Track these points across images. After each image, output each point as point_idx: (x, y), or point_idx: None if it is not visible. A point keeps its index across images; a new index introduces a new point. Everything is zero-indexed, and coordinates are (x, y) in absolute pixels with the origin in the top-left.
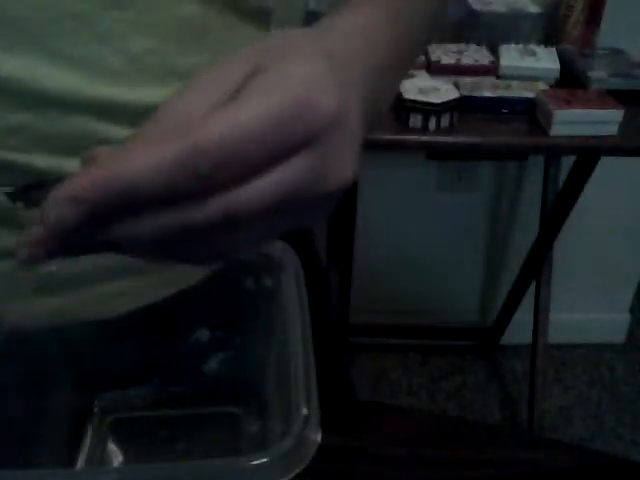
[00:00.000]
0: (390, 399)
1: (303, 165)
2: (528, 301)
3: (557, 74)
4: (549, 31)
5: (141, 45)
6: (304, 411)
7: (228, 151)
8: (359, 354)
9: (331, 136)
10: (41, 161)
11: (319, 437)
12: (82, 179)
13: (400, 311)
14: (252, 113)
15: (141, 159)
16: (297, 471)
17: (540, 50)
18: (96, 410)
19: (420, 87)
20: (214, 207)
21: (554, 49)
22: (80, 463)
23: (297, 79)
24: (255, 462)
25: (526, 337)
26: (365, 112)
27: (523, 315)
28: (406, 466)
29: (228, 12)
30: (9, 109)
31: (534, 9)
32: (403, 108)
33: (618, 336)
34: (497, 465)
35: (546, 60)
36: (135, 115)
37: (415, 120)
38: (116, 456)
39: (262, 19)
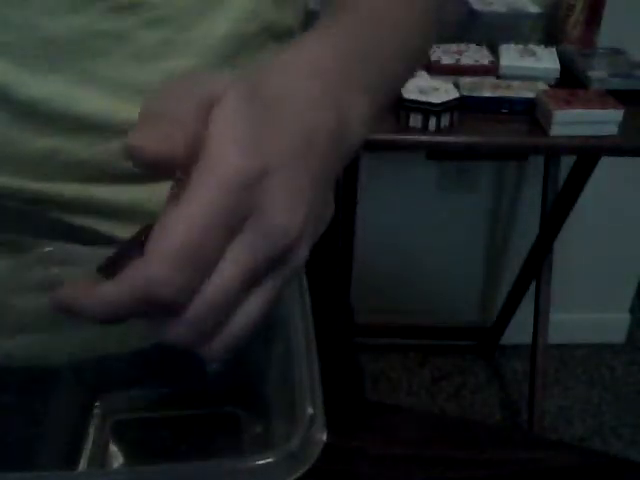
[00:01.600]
0: (390, 399)
1: (247, 240)
2: (528, 301)
3: (557, 74)
4: (549, 31)
5: (176, 64)
6: (309, 411)
7: (178, 270)
8: (359, 354)
9: (262, 196)
10: (70, 190)
11: (325, 437)
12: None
13: (400, 311)
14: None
15: (101, 298)
16: (303, 471)
17: (540, 50)
18: (97, 412)
19: (420, 87)
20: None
21: (554, 49)
22: (82, 465)
23: (217, 170)
24: (261, 462)
25: (526, 337)
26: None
27: (523, 315)
28: (406, 466)
29: (262, 32)
30: (40, 134)
31: (534, 9)
32: (403, 108)
33: (618, 336)
34: (497, 465)
35: (546, 60)
36: None
37: (415, 120)
38: (118, 458)
39: (290, 38)
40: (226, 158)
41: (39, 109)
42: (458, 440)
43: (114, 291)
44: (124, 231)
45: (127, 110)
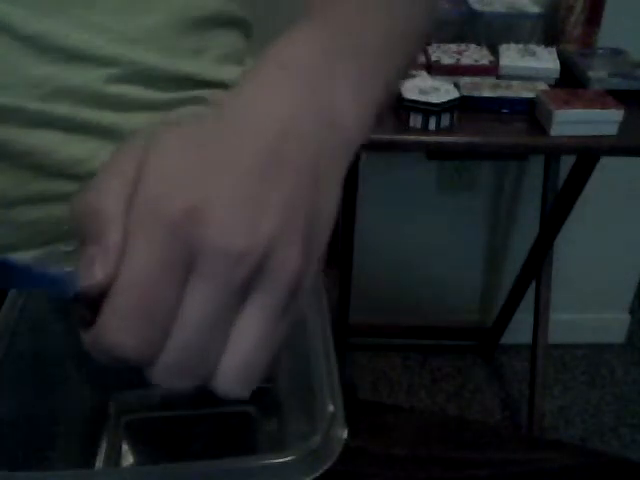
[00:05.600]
0: (390, 399)
1: (204, 274)
2: (528, 301)
3: (557, 74)
4: (549, 31)
5: (150, 20)
6: (330, 408)
7: (132, 334)
8: (359, 354)
9: (207, 227)
10: (62, 109)
11: (345, 435)
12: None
13: (400, 311)
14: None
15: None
16: (324, 469)
17: (540, 50)
18: (111, 411)
19: (420, 87)
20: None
21: (554, 49)
22: (97, 464)
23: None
24: (282, 460)
25: (526, 337)
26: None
27: (523, 315)
28: (406, 466)
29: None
30: (39, 61)
31: (534, 9)
32: (403, 108)
33: (618, 336)
34: (497, 465)
35: (546, 60)
36: (146, 74)
37: (415, 120)
38: (132, 457)
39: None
40: (157, 201)
41: (38, 42)
42: (458, 440)
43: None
44: (106, 150)
45: (112, 48)
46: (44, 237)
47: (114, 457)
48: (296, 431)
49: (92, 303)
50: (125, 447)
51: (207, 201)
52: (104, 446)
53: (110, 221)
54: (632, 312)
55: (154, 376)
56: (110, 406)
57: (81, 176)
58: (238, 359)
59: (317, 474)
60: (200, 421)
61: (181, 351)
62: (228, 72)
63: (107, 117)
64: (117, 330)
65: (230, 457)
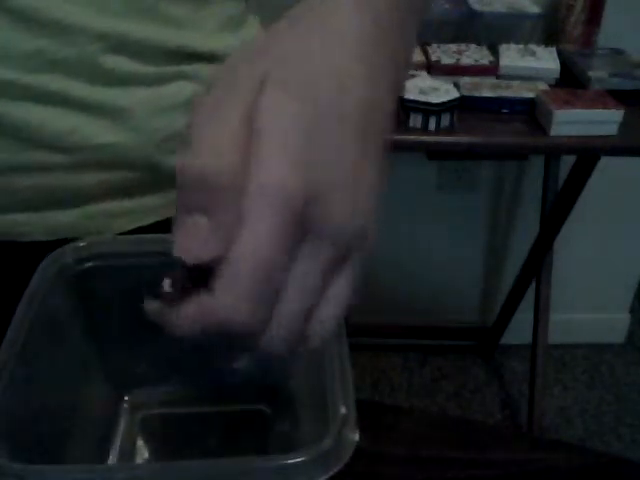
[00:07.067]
0: (390, 399)
1: (312, 249)
2: (528, 301)
3: (557, 74)
4: (549, 31)
5: None
6: (342, 410)
7: (253, 307)
8: (359, 354)
9: (320, 208)
10: (53, 83)
11: (357, 437)
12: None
13: (400, 311)
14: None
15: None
16: (335, 470)
17: (540, 50)
18: (126, 407)
19: (420, 87)
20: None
21: (554, 49)
22: (111, 459)
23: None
24: (294, 460)
25: (526, 337)
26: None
27: (523, 315)
28: (406, 466)
29: None
30: (25, 36)
31: (534, 9)
32: (403, 108)
33: (618, 336)
34: (497, 465)
35: (546, 60)
36: (137, 47)
37: (415, 120)
38: (147, 453)
39: None
40: (282, 184)
41: (29, 16)
42: (458, 440)
43: (191, 326)
44: (94, 124)
45: (103, 20)
46: (35, 203)
47: (128, 452)
48: (308, 432)
49: (193, 275)
50: (140, 443)
51: (324, 189)
52: (118, 441)
53: (226, 196)
54: (632, 312)
55: (265, 342)
56: (125, 402)
57: (68, 148)
58: (331, 313)
59: (328, 476)
60: (214, 418)
61: (292, 314)
62: (221, 41)
63: (98, 92)
64: (235, 299)
65: (243, 455)
